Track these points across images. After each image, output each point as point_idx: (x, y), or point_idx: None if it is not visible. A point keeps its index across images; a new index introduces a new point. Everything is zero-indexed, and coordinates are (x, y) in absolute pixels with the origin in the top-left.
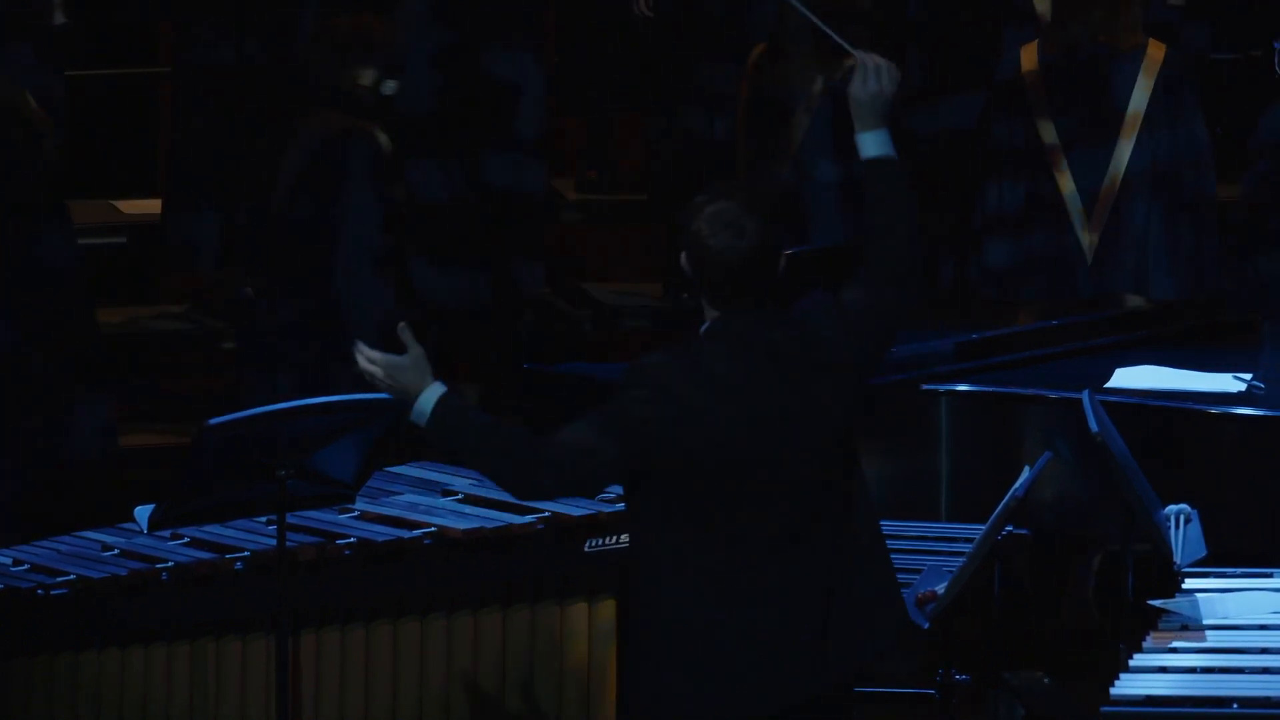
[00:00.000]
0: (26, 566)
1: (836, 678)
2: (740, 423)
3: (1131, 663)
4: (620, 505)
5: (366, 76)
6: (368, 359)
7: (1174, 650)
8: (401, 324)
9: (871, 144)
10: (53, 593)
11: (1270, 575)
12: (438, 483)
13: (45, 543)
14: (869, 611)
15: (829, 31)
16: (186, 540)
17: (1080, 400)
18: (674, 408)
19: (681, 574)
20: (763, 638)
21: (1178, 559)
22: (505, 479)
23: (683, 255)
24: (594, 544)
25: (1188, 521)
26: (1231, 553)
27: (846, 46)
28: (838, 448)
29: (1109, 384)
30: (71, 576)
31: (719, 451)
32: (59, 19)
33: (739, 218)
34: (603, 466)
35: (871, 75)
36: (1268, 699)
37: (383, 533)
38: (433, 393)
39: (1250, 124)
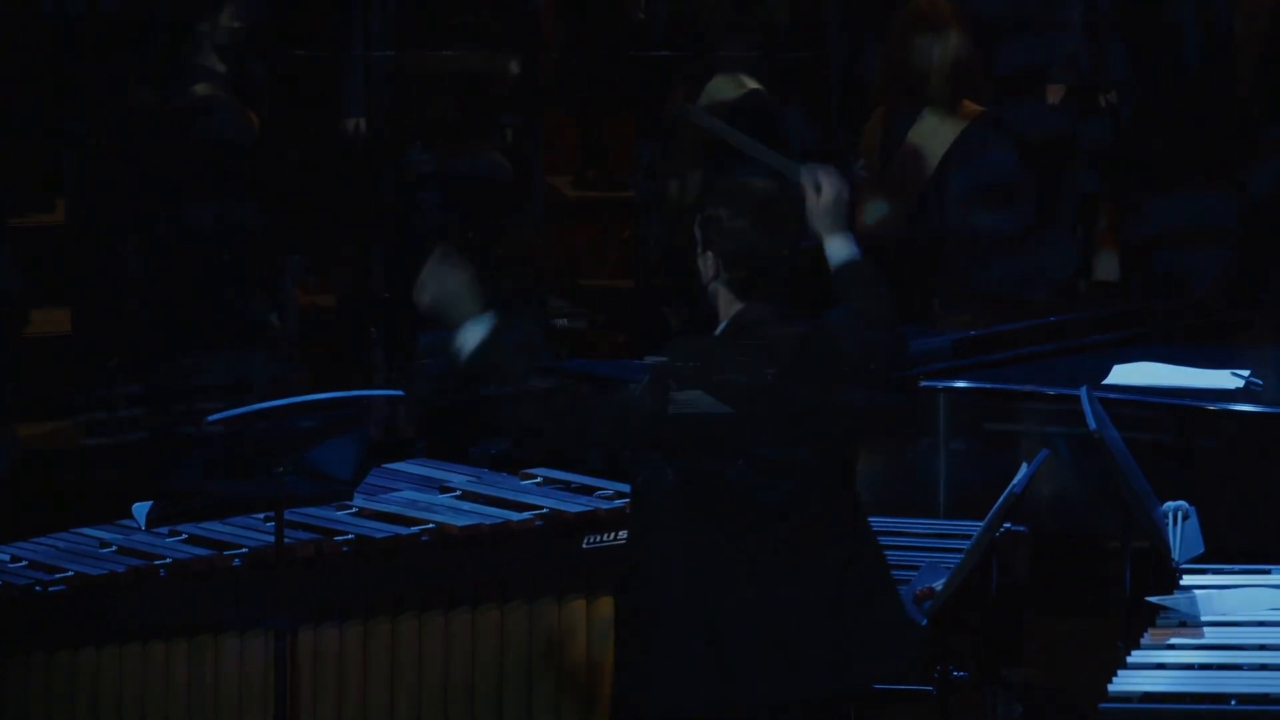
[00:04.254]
0: (24, 563)
1: (837, 687)
2: (761, 420)
3: (1129, 659)
4: (618, 502)
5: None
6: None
7: (1172, 647)
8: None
9: (835, 250)
10: (50, 589)
11: (1268, 572)
12: (436, 479)
13: (43, 539)
14: (879, 632)
15: (769, 157)
16: (184, 537)
17: (1078, 397)
18: (710, 389)
19: (689, 568)
20: (763, 637)
21: (1175, 555)
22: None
23: (708, 247)
24: (592, 540)
25: (1185, 518)
26: (1229, 549)
27: (787, 171)
28: (848, 452)
29: (1107, 381)
30: (69, 573)
31: (739, 446)
32: None
33: (780, 213)
34: (643, 415)
35: (815, 189)
36: (1265, 695)
37: (381, 529)
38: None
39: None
